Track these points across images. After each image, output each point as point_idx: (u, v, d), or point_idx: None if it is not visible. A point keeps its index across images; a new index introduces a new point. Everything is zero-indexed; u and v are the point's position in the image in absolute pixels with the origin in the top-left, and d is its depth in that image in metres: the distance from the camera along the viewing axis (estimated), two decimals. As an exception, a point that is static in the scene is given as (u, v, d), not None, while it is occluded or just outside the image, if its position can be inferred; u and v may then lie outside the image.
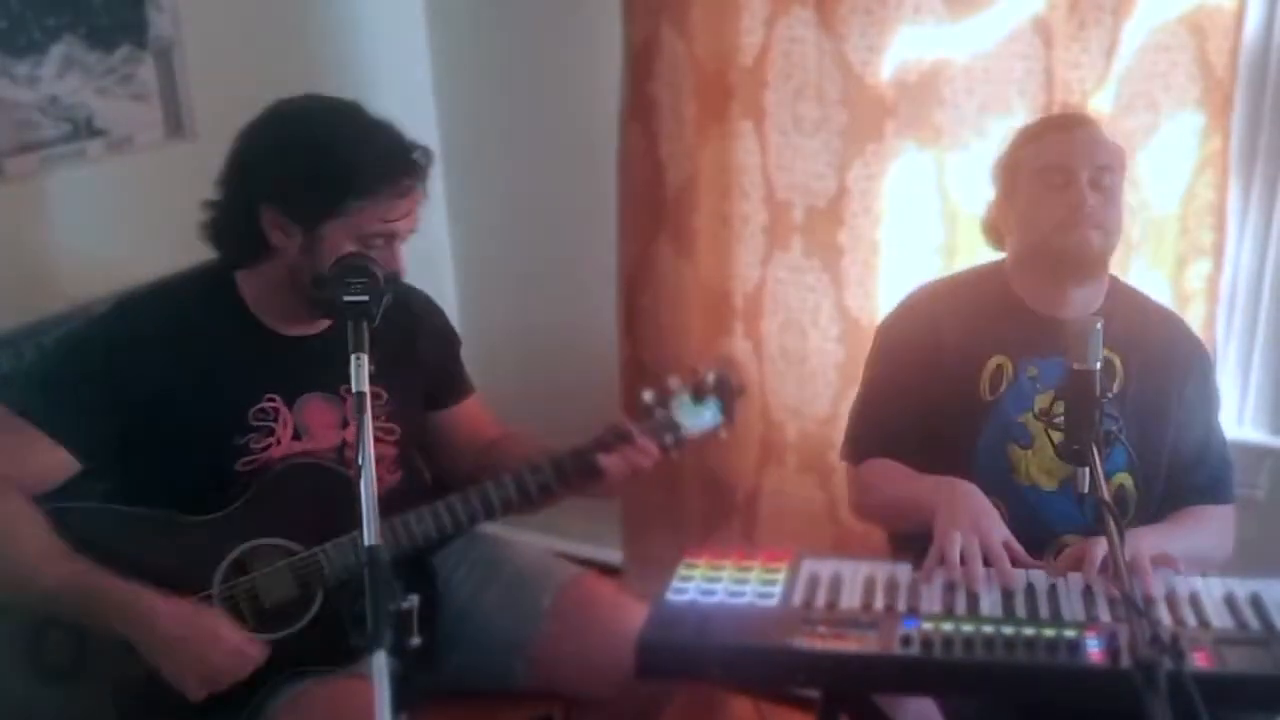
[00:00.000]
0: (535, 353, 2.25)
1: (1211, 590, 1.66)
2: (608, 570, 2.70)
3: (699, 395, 1.88)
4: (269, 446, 1.81)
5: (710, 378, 1.89)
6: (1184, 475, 1.93)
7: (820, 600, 1.66)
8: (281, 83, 2.48)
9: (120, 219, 2.22)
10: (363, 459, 1.37)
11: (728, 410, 1.89)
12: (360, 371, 1.44)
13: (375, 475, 1.82)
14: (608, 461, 1.83)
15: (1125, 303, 1.96)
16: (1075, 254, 1.86)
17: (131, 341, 1.77)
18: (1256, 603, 1.62)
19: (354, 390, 1.43)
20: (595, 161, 2.61)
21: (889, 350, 2.04)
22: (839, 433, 2.49)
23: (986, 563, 1.67)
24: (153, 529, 1.76)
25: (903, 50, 2.28)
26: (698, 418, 1.88)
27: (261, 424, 1.81)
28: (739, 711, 2.62)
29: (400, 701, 1.17)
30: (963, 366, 1.93)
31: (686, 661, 1.60)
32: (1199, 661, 1.46)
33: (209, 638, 1.66)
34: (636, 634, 1.57)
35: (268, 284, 1.83)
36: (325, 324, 1.86)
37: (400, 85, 2.78)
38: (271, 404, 1.82)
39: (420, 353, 2.01)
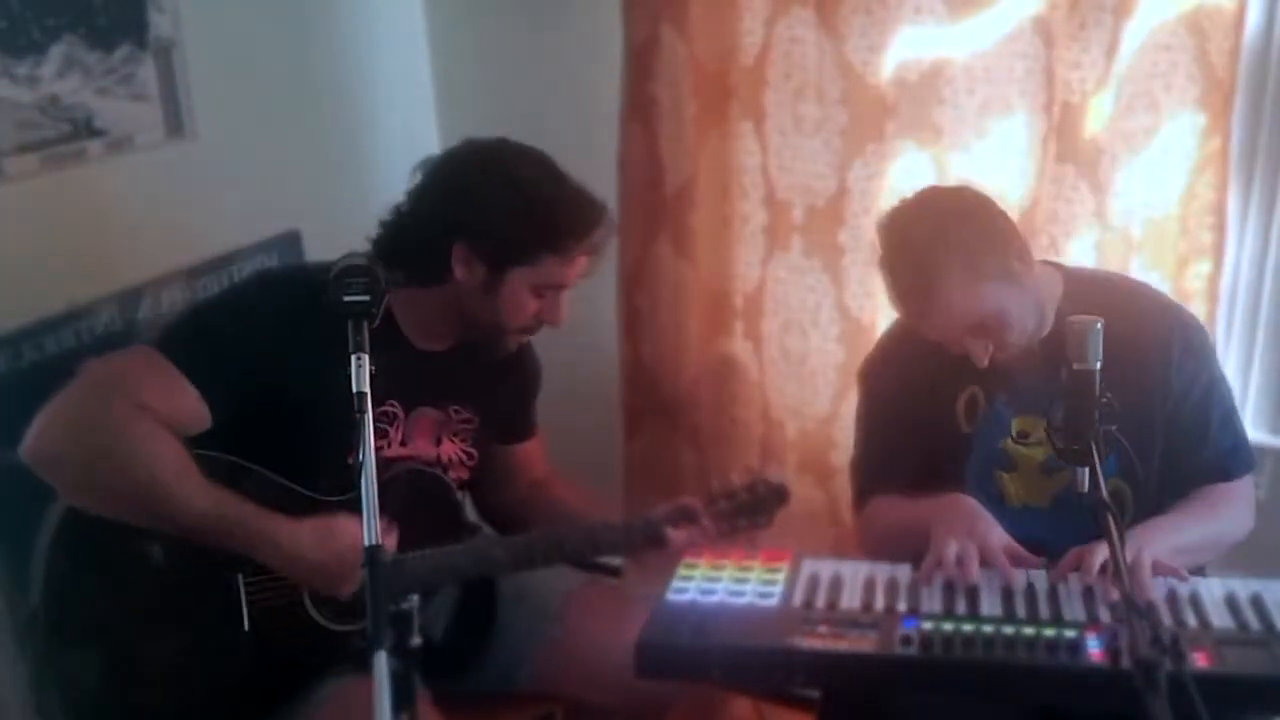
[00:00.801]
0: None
1: (1212, 590, 1.66)
2: (608, 570, 2.70)
3: (754, 496, 2.02)
4: (381, 448, 1.87)
5: (764, 487, 2.03)
6: (1188, 458, 1.87)
7: (820, 600, 1.66)
8: (281, 83, 2.51)
9: (120, 219, 2.22)
10: (363, 457, 1.37)
11: (771, 513, 2.04)
12: (360, 371, 1.45)
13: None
14: (674, 535, 1.95)
15: (1086, 307, 1.64)
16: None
17: (291, 323, 1.79)
18: (1257, 603, 1.63)
19: (355, 390, 1.43)
20: (595, 161, 2.59)
21: (873, 394, 2.04)
22: (839, 432, 2.51)
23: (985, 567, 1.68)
24: (272, 494, 1.77)
25: (903, 50, 2.28)
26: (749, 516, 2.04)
27: (379, 425, 1.86)
28: (739, 711, 2.61)
29: (402, 701, 1.17)
30: (940, 402, 1.92)
31: (686, 662, 1.60)
32: (1199, 662, 1.47)
33: (351, 550, 1.67)
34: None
35: (423, 303, 1.89)
36: (451, 343, 1.94)
37: (400, 85, 2.78)
38: (392, 408, 1.89)
39: (513, 389, 2.09)
